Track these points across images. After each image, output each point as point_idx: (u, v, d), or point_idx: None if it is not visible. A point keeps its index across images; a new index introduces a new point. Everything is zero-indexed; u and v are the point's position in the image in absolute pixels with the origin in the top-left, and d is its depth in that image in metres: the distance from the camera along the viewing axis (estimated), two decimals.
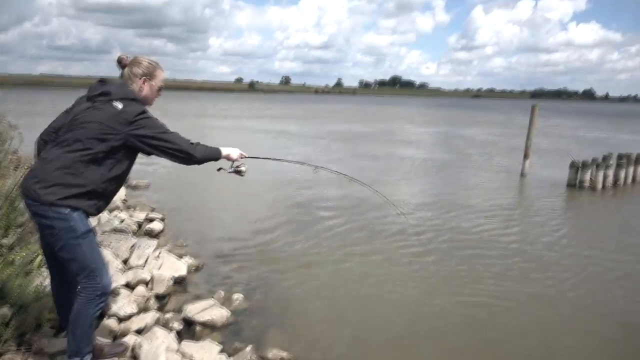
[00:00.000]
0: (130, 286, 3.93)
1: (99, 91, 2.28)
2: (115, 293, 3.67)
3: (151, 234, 5.64)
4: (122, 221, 5.73)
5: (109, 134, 2.20)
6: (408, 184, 10.00)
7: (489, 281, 4.77)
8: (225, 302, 3.99)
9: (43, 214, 2.17)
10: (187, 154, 2.33)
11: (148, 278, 4.03)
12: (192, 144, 2.36)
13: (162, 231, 5.86)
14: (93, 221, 5.40)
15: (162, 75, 2.48)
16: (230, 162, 2.65)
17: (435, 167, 12.15)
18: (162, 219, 6.22)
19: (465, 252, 5.60)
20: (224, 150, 2.55)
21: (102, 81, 2.36)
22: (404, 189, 9.45)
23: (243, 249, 5.43)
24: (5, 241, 2.74)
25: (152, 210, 6.72)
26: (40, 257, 3.25)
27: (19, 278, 3.01)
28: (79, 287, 2.28)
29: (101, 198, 2.29)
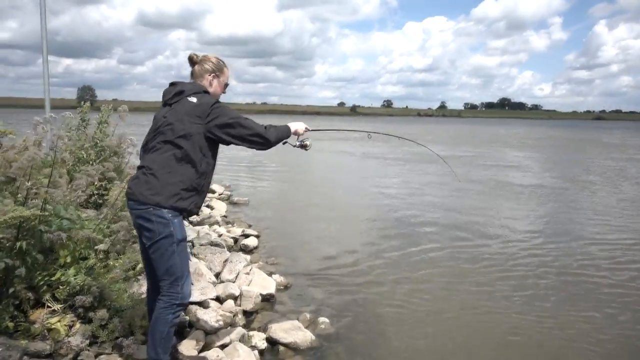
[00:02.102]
0: (219, 300, 3.99)
1: (173, 93, 2.40)
2: (205, 305, 3.74)
3: (246, 250, 5.77)
4: (220, 235, 5.94)
5: (192, 129, 2.29)
6: (516, 211, 9.16)
7: (611, 331, 4.06)
8: (311, 325, 3.86)
9: (147, 217, 2.29)
10: (263, 138, 2.41)
11: (237, 293, 4.06)
12: (266, 126, 2.46)
13: (256, 247, 5.97)
14: (192, 233, 5.72)
15: (228, 72, 2.61)
16: (296, 137, 2.79)
17: (547, 195, 11.03)
18: (257, 236, 6.35)
19: (581, 291, 4.88)
20: (292, 126, 2.68)
21: (173, 84, 2.49)
22: (510, 215, 8.67)
23: (334, 271, 5.29)
24: (101, 247, 2.91)
25: (249, 226, 6.91)
26: (139, 265, 3.43)
27: (118, 283, 3.19)
28: (161, 292, 2.33)
29: (198, 194, 2.39)
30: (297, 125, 2.73)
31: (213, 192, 9.24)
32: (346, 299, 4.53)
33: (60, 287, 2.93)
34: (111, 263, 3.07)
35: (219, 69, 2.54)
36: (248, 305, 4.00)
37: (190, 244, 5.17)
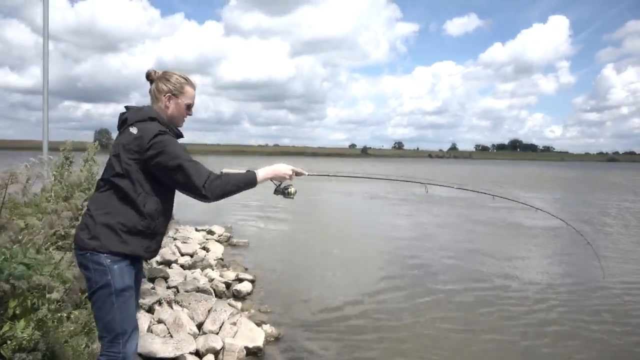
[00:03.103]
0: (199, 354, 3.58)
1: (120, 121, 2.11)
2: None
3: (238, 296, 5.37)
4: (211, 280, 5.57)
5: (129, 166, 1.98)
6: (534, 258, 8.64)
7: None
8: None
9: (85, 263, 2.00)
10: (199, 193, 1.99)
11: (219, 347, 3.65)
12: (210, 178, 2.00)
13: (249, 293, 5.55)
14: (179, 277, 5.34)
15: (192, 92, 2.21)
16: (279, 182, 2.30)
17: (564, 239, 10.49)
18: (252, 281, 5.94)
19: (592, 339, 4.35)
20: (262, 173, 2.16)
21: (126, 108, 2.16)
22: (528, 262, 8.15)
23: (332, 322, 4.82)
24: (54, 295, 2.57)
25: (245, 270, 6.51)
26: None
27: (78, 337, 2.83)
28: (100, 352, 1.98)
29: (147, 237, 2.06)
30: (277, 169, 2.22)
31: (212, 233, 8.91)
32: (344, 353, 4.07)
33: (8, 342, 2.57)
34: (64, 315, 2.72)
35: (177, 89, 2.15)
36: None
37: (175, 290, 4.80)
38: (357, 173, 2.88)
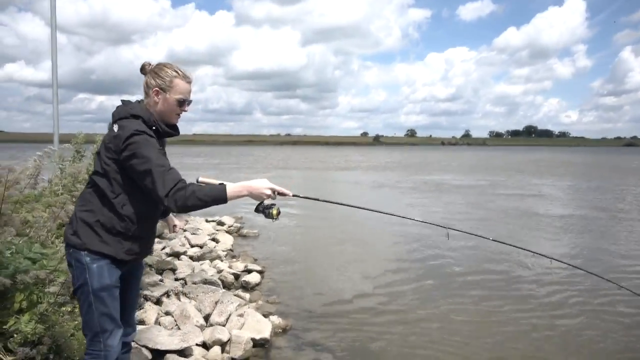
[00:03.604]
0: (205, 346, 3.60)
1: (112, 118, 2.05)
2: (187, 354, 3.36)
3: (246, 287, 5.38)
4: (220, 272, 5.58)
5: (108, 165, 1.93)
6: (550, 244, 8.52)
7: None
8: None
9: (69, 260, 1.99)
10: (162, 203, 1.85)
11: (225, 339, 3.65)
12: (175, 187, 1.82)
13: (258, 284, 5.56)
14: (187, 269, 5.37)
15: (185, 86, 2.05)
16: (260, 201, 2.02)
17: (580, 227, 10.32)
18: (261, 272, 5.95)
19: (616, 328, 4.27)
20: (234, 190, 1.88)
21: (122, 102, 2.09)
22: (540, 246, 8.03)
23: (341, 313, 4.78)
24: (52, 289, 2.58)
25: (254, 261, 6.53)
26: None
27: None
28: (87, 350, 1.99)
29: (129, 239, 1.99)
30: (252, 187, 1.93)
31: (222, 224, 8.95)
32: (352, 345, 4.04)
33: (15, 335, 2.60)
34: (68, 309, 2.74)
35: (166, 83, 2.01)
36: (237, 353, 3.58)
37: (183, 281, 4.82)
38: (353, 203, 2.58)
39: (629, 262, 7.01)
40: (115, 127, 1.94)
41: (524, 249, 3.61)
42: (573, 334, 4.34)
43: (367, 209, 2.57)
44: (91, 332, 1.97)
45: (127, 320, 2.22)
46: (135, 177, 1.90)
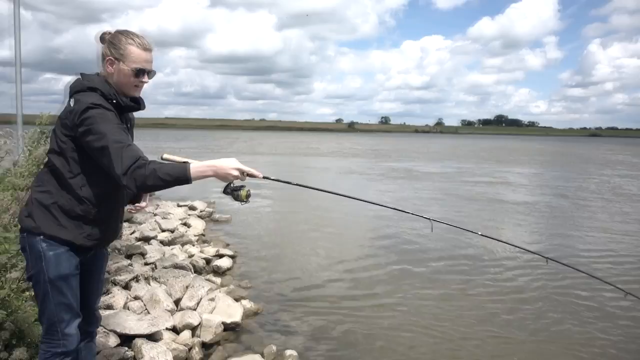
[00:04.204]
0: (175, 331, 3.58)
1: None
2: (156, 338, 3.33)
3: (218, 272, 5.36)
4: (191, 256, 5.54)
5: (64, 143, 1.80)
6: (518, 231, 8.77)
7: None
8: (277, 358, 3.45)
9: (22, 245, 1.87)
10: (120, 182, 1.69)
11: (196, 323, 3.64)
12: (134, 165, 1.67)
13: (229, 269, 5.54)
14: (157, 254, 5.30)
15: (141, 54, 1.87)
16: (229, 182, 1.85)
17: (545, 214, 10.67)
18: (233, 256, 5.92)
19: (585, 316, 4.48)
20: (197, 168, 1.72)
21: (81, 75, 1.92)
22: (514, 235, 8.28)
23: (313, 297, 4.83)
24: (13, 275, 2.51)
25: (226, 246, 6.49)
26: None
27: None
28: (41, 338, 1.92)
29: (89, 223, 1.86)
30: (218, 166, 1.74)
31: (194, 209, 8.84)
32: (323, 327, 4.09)
33: None
34: (27, 294, 2.66)
35: (119, 52, 1.85)
36: (207, 337, 3.58)
37: (153, 266, 4.76)
38: (330, 188, 2.60)
39: (587, 247, 7.31)
40: (72, 102, 1.80)
41: (512, 244, 3.66)
42: (534, 316, 4.52)
43: (341, 195, 2.48)
44: (48, 321, 1.87)
45: (90, 310, 2.12)
46: (93, 155, 1.76)
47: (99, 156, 1.73)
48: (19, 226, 1.92)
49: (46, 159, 1.93)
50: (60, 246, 1.82)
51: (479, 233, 2.70)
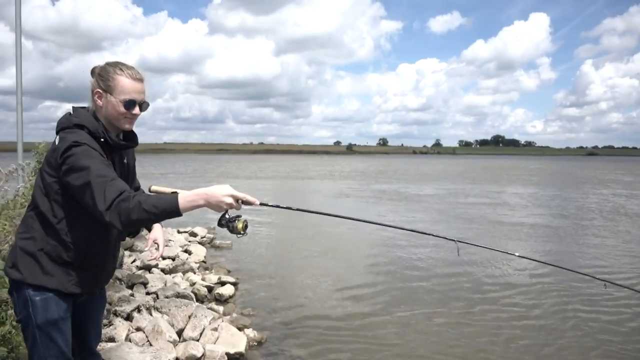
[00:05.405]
0: None
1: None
2: None
3: (220, 299, 5.28)
4: (192, 284, 5.46)
5: (48, 184, 1.69)
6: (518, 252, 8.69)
7: None
8: None
9: (10, 290, 1.79)
10: (103, 220, 1.54)
11: (199, 354, 3.56)
12: (118, 198, 1.52)
13: (232, 296, 5.46)
14: (159, 283, 5.23)
15: (131, 84, 1.74)
16: (224, 212, 1.69)
17: (546, 234, 10.61)
18: (235, 283, 5.84)
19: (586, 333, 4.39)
20: (187, 199, 1.56)
21: (73, 109, 1.80)
22: (512, 259, 8.20)
23: (318, 325, 4.72)
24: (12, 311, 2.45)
25: (228, 272, 6.42)
26: None
27: None
28: None
29: (77, 269, 1.74)
30: (209, 195, 1.58)
31: (194, 235, 8.78)
32: (328, 356, 4.01)
33: None
34: None
35: (106, 83, 1.74)
36: None
37: (154, 295, 4.69)
38: (335, 212, 2.46)
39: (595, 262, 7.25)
40: (57, 140, 1.69)
41: (569, 269, 3.50)
42: (542, 334, 4.43)
43: (348, 218, 2.34)
44: None
45: (89, 351, 2.01)
46: (76, 196, 1.62)
47: (82, 195, 1.59)
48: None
49: (30, 200, 1.81)
50: (47, 292, 1.72)
51: (516, 254, 2.52)
